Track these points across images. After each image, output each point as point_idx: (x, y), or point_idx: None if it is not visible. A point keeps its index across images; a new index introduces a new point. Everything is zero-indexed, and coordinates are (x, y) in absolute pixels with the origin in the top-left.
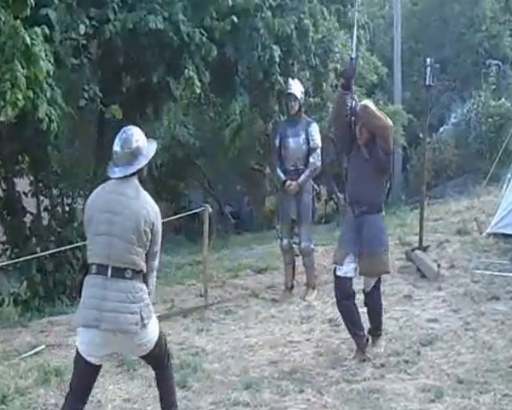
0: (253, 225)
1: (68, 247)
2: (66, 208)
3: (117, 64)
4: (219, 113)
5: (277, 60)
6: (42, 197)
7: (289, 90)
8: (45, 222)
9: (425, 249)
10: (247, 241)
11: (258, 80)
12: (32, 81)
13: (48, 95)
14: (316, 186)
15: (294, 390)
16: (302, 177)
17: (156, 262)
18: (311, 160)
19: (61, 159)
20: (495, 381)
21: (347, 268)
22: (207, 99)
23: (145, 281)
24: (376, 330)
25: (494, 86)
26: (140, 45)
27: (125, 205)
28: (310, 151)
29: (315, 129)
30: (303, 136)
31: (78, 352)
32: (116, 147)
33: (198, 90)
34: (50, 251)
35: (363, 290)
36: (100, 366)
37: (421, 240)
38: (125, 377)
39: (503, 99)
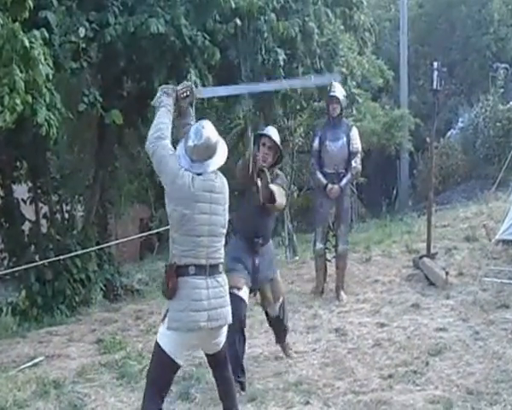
0: None
1: (68, 255)
2: (66, 216)
3: (117, 68)
4: (223, 117)
5: (281, 63)
6: (41, 204)
7: (332, 93)
8: (44, 230)
9: (433, 257)
10: None
11: None
12: (31, 85)
13: (47, 99)
14: (354, 189)
15: (300, 402)
16: (344, 180)
17: None
18: (353, 164)
19: (61, 165)
20: (505, 392)
21: (245, 293)
22: (210, 103)
23: None
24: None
25: (502, 90)
26: (141, 49)
27: (218, 201)
28: (351, 155)
29: (355, 133)
30: (343, 139)
31: (163, 352)
32: (193, 141)
33: None
34: (49, 260)
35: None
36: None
37: (428, 247)
38: (127, 390)
39: (511, 103)
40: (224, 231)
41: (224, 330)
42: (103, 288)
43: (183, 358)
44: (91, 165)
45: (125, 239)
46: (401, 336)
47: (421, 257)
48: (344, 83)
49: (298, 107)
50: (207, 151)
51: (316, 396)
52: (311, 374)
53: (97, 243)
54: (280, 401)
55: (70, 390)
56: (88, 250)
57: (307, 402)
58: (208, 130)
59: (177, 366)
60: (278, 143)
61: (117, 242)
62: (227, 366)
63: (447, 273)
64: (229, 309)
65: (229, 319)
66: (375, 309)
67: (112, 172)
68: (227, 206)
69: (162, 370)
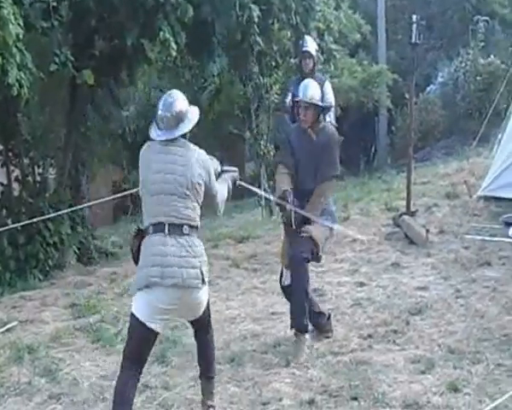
0: (233, 192)
1: (40, 218)
2: (38, 178)
3: (89, 27)
4: (196, 76)
5: (256, 20)
6: (12, 167)
7: (305, 48)
8: (16, 193)
9: (413, 214)
10: (227, 209)
11: (237, 41)
12: (1, 45)
13: (18, 59)
14: None
15: (279, 364)
16: None
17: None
18: (327, 119)
19: (32, 126)
20: (487, 350)
21: None
22: (184, 61)
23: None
24: None
25: (483, 44)
26: (113, 6)
27: (176, 161)
28: (324, 110)
29: (328, 87)
30: None
31: (136, 319)
32: (160, 111)
33: (174, 53)
34: (22, 223)
35: None
36: (158, 335)
37: (408, 205)
38: (102, 354)
39: (491, 57)
40: (189, 193)
41: (196, 296)
42: (77, 251)
43: (158, 323)
44: (63, 126)
45: (99, 201)
46: (381, 295)
47: (400, 215)
48: (321, 39)
49: (273, 63)
50: (175, 121)
51: (294, 358)
52: (290, 336)
53: (70, 206)
54: (258, 362)
55: (45, 355)
56: (61, 213)
57: (286, 364)
58: (177, 101)
59: (152, 333)
60: (312, 100)
61: (90, 204)
62: (207, 330)
63: (427, 231)
64: (190, 272)
65: (190, 283)
66: (354, 268)
67: (84, 134)
68: (196, 171)
69: (136, 337)
